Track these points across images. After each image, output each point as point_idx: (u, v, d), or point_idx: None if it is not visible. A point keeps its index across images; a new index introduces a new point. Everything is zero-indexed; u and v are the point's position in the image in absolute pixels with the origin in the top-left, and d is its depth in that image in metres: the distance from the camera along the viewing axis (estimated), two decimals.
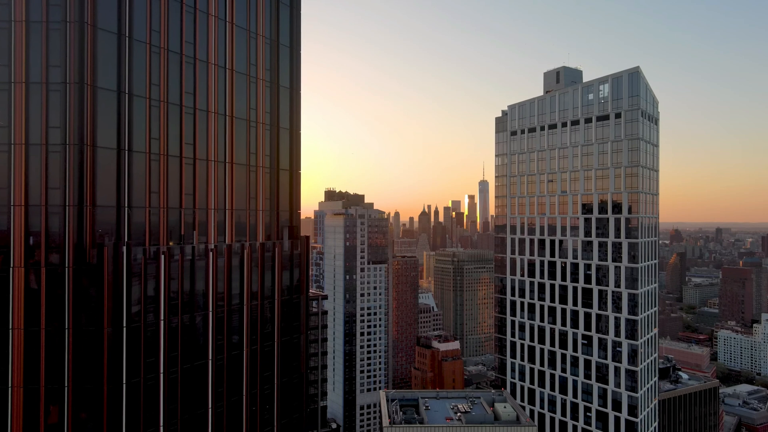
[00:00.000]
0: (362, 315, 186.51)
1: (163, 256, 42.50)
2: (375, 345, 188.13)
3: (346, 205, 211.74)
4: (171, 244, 44.79)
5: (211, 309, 46.06)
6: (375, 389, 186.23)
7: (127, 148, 41.73)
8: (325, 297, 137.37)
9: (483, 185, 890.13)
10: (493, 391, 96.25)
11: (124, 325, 39.99)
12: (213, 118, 47.84)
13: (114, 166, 41.08)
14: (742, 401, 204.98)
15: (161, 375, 42.42)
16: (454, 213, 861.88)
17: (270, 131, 53.13)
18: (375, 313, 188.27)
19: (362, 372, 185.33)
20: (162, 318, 42.51)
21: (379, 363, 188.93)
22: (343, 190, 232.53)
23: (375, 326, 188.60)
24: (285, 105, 54.67)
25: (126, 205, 41.48)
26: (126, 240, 41.10)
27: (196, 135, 46.49)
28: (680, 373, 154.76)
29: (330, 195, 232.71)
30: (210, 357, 46.09)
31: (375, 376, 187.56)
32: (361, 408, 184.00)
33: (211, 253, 46.17)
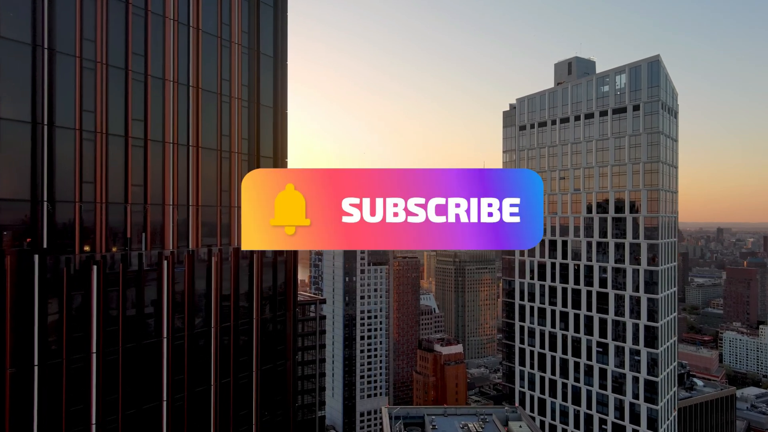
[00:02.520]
0: (362, 318, 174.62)
1: (95, 267, 30.64)
2: (375, 349, 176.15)
3: None
4: (114, 249, 32.97)
5: (165, 335, 34.21)
6: (375, 395, 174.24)
7: (46, 122, 29.89)
8: (324, 301, 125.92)
9: None
10: (506, 407, 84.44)
11: (36, 363, 28.18)
12: (171, 89, 35.97)
13: (27, 146, 29.24)
14: (750, 405, 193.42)
15: (93, 426, 30.57)
16: None
17: (248, 109, 41.31)
18: (375, 316, 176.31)
19: (362, 377, 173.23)
20: (94, 350, 30.64)
21: (380, 367, 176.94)
22: None
23: (375, 329, 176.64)
24: (267, 78, 42.81)
25: (44, 198, 29.64)
26: (44, 245, 29.28)
27: (148, 109, 34.61)
28: (694, 379, 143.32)
29: None
30: (164, 397, 34.16)
31: (375, 381, 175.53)
32: (361, 414, 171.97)
33: (166, 262, 34.28)
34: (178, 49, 36.39)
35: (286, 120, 44.07)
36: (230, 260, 38.60)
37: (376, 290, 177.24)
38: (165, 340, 34.13)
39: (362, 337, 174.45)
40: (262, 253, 41.47)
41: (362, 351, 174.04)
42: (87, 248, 31.84)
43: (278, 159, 43.48)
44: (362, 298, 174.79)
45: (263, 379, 40.05)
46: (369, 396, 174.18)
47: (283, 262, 43.04)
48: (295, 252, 44.09)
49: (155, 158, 35.05)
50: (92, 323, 30.49)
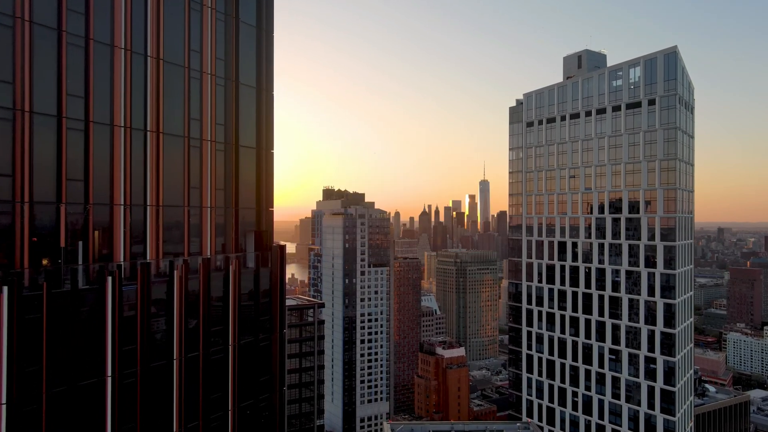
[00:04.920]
0: (362, 321, 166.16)
1: (6, 288, 22.42)
2: (376, 352, 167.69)
3: (345, 204, 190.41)
4: (45, 263, 24.77)
5: (110, 372, 26.01)
6: (376, 400, 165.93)
7: None
8: (322, 305, 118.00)
9: (484, 185, 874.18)
10: (518, 423, 76.66)
11: None
12: (123, 58, 27.74)
13: None
14: (757, 407, 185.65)
15: None
16: (454, 213, 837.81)
17: (225, 88, 33.11)
18: (376, 319, 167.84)
19: (362, 382, 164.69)
20: (4, 400, 22.39)
21: (380, 371, 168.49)
22: (343, 189, 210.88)
23: (376, 332, 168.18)
24: (248, 52, 34.58)
25: None
26: None
27: (90, 83, 26.39)
28: (706, 385, 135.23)
29: (328, 194, 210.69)
30: None
31: (376, 385, 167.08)
32: (362, 420, 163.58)
33: (111, 278, 26.07)
34: (131, 9, 28.18)
35: (272, 103, 35.87)
36: (199, 273, 30.36)
37: (376, 292, 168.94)
38: (109, 380, 25.90)
39: (362, 341, 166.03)
40: (242, 263, 33.25)
41: (362, 355, 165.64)
42: (5, 261, 23.69)
43: (262, 149, 35.26)
44: (362, 300, 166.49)
45: (242, 420, 31.79)
46: (369, 401, 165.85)
47: (268, 272, 34.79)
48: (283, 260, 35.88)
49: (100, 145, 26.85)
50: (1, 363, 22.26)
